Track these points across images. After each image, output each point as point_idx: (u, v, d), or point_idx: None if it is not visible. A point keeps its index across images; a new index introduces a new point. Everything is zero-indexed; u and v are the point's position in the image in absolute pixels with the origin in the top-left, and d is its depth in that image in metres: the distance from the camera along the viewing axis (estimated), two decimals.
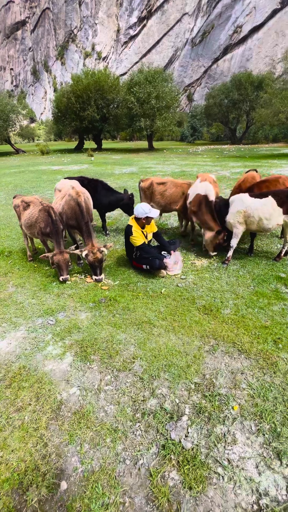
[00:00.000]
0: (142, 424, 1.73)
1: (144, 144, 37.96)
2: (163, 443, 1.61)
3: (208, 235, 3.97)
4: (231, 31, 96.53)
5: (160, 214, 5.57)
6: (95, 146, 33.42)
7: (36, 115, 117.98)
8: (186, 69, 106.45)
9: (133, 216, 3.78)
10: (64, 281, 3.46)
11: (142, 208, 3.59)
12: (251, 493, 1.38)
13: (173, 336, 2.50)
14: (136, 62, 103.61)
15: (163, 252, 3.87)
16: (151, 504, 1.35)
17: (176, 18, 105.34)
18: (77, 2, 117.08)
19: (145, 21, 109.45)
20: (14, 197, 4.04)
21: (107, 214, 5.44)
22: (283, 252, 3.95)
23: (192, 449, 1.57)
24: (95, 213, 4.69)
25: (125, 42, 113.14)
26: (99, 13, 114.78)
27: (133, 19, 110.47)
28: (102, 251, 3.21)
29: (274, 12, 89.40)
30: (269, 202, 3.52)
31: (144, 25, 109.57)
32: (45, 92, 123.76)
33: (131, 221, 3.77)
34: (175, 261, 3.76)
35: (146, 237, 3.83)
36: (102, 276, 3.41)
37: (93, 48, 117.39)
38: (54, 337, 2.53)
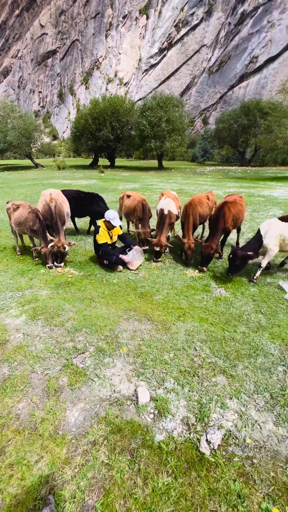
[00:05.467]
0: (57, 354, 2.49)
1: (155, 163, 39.91)
2: (65, 364, 2.36)
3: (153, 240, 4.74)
4: (247, 61, 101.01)
5: (128, 224, 6.47)
6: (108, 163, 35.61)
7: (59, 133, 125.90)
8: (203, 94, 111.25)
9: (103, 219, 4.67)
10: (50, 268, 4.36)
11: (109, 213, 4.49)
12: (110, 390, 2.10)
13: (104, 308, 3.27)
14: (155, 88, 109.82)
15: (127, 249, 4.68)
16: (44, 391, 2.10)
17: (194, 49, 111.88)
18: (104, 35, 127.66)
19: (166, 51, 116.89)
20: (7, 203, 5.06)
21: None
22: None
23: (83, 368, 2.31)
24: None
25: (146, 70, 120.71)
26: (123, 44, 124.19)
27: (155, 50, 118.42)
28: (65, 246, 4.10)
29: None
30: None
31: (165, 55, 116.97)
32: (69, 113, 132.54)
33: (100, 222, 4.65)
34: (133, 255, 4.53)
35: (111, 238, 4.70)
36: (62, 264, 4.30)
37: (115, 75, 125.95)
38: (17, 304, 3.37)
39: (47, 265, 4.40)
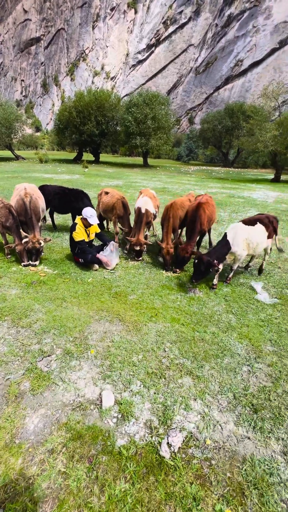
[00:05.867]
0: (22, 358, 2.39)
1: (141, 160, 39.70)
2: (29, 368, 2.27)
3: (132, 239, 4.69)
4: (232, 64, 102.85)
5: (107, 221, 6.38)
6: (93, 158, 34.93)
7: (42, 125, 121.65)
8: (189, 94, 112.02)
9: (80, 216, 4.54)
10: (25, 266, 4.16)
11: (86, 211, 4.37)
12: (74, 395, 2.04)
13: (76, 308, 3.19)
14: (143, 84, 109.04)
15: (104, 247, 4.58)
16: (3, 398, 2.00)
17: (182, 48, 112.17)
18: (91, 26, 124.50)
19: (153, 48, 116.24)
20: None
21: None
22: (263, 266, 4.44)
23: (47, 372, 2.23)
24: None
25: (133, 65, 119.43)
26: (111, 37, 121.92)
27: (142, 45, 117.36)
28: (40, 242, 3.95)
29: (273, 51, 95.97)
30: (260, 228, 3.94)
31: (152, 52, 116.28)
32: (53, 104, 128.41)
33: (77, 219, 4.53)
34: (110, 253, 4.43)
35: (88, 235, 4.59)
36: (37, 262, 4.14)
37: (102, 68, 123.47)
38: None
39: (22, 264, 4.21)
